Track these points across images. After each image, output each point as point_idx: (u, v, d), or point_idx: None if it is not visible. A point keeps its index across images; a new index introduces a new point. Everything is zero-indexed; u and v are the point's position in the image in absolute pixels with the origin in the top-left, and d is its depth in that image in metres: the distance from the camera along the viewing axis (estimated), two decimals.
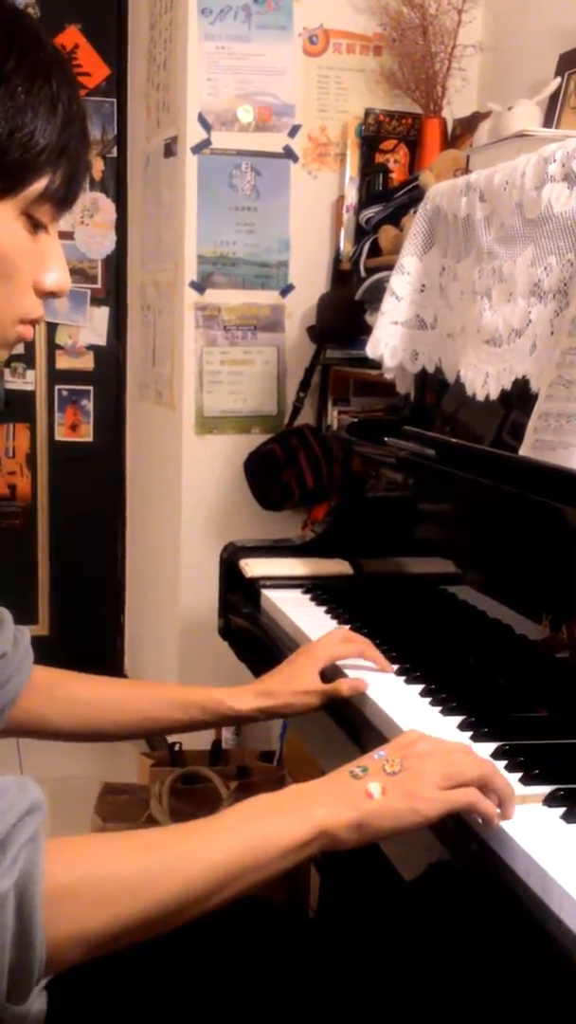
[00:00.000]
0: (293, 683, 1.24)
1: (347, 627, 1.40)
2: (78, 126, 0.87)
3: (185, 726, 1.25)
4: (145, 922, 0.79)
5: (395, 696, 1.22)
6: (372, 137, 2.52)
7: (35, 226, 0.88)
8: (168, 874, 0.81)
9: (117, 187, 3.23)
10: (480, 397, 1.36)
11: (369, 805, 0.88)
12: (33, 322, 0.92)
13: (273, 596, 1.64)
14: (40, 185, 0.85)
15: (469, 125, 2.32)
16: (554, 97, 1.95)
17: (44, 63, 0.85)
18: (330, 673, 1.27)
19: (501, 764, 1.01)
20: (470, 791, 0.91)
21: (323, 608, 1.57)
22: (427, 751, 0.94)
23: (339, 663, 1.29)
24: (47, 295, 0.91)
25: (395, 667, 1.30)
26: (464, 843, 0.94)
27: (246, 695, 1.24)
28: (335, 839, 0.88)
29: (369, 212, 2.39)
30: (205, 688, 1.25)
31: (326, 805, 0.88)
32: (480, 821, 0.93)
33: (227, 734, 2.67)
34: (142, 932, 0.80)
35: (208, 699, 1.23)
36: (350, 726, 1.23)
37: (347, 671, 1.28)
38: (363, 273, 2.29)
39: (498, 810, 0.92)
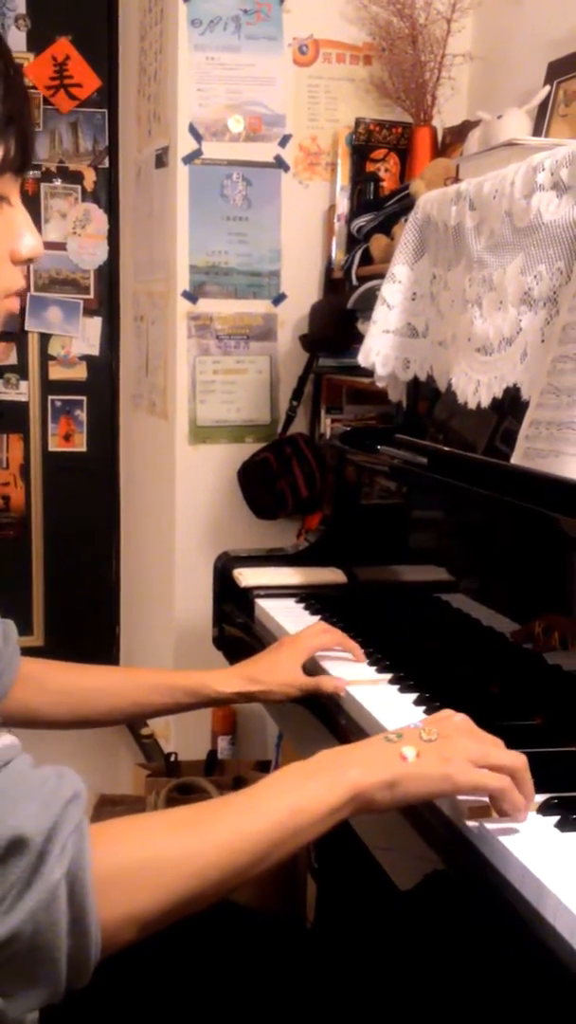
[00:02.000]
0: (277, 673, 1.30)
1: (321, 620, 1.48)
2: (20, 91, 0.87)
3: (171, 709, 1.30)
4: (193, 897, 0.81)
5: (389, 704, 1.22)
6: (362, 146, 2.52)
7: (0, 199, 0.88)
8: (211, 848, 0.82)
9: (109, 198, 3.23)
10: (472, 405, 1.36)
11: (403, 767, 0.90)
12: (17, 293, 0.92)
13: (267, 605, 1.64)
14: None
15: (459, 134, 2.32)
16: (543, 106, 1.96)
17: None
18: (309, 666, 1.33)
19: None
20: (503, 778, 0.91)
21: (317, 617, 1.57)
22: (463, 727, 0.96)
23: (317, 655, 1.35)
24: (24, 263, 0.91)
25: (389, 675, 1.30)
26: (459, 853, 0.94)
27: (231, 678, 1.29)
28: (369, 800, 0.89)
29: (360, 221, 2.40)
30: (190, 672, 1.31)
31: (360, 765, 0.90)
32: (482, 821, 0.93)
33: (223, 744, 2.66)
34: (191, 907, 0.82)
35: (194, 682, 1.28)
36: (345, 735, 1.23)
37: (325, 663, 1.34)
38: (355, 282, 2.30)
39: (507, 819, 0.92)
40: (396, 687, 1.27)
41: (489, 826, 0.92)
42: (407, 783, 0.90)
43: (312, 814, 0.86)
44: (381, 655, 1.36)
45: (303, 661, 1.32)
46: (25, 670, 1.21)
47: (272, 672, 1.30)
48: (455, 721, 0.97)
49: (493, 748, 0.94)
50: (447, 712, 0.99)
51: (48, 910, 0.73)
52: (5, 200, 0.88)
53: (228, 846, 0.83)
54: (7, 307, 0.91)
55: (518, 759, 0.93)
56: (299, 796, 0.87)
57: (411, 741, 0.92)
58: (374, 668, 1.35)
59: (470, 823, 0.94)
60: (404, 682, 1.27)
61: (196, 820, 0.86)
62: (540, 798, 0.95)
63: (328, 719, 1.28)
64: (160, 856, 0.81)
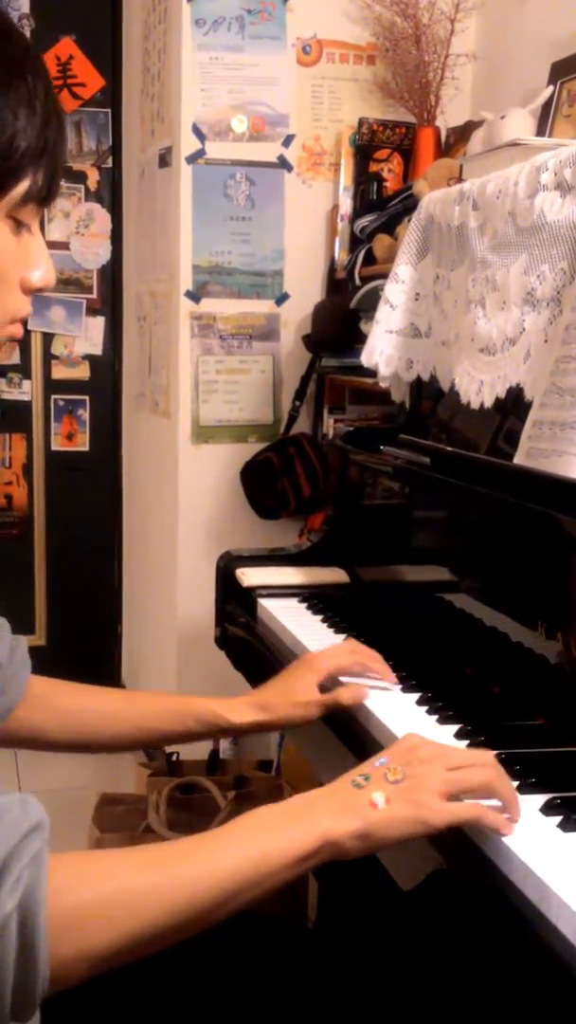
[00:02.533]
0: (291, 695, 1.21)
1: (352, 639, 1.36)
2: (55, 122, 0.85)
3: (180, 737, 1.23)
4: (151, 938, 0.79)
5: (391, 704, 1.21)
6: (366, 146, 2.52)
7: (19, 227, 0.87)
8: (174, 890, 0.80)
9: (112, 197, 3.24)
10: (475, 405, 1.36)
11: (374, 815, 0.87)
12: (22, 320, 0.91)
13: (269, 605, 1.64)
14: (23, 187, 0.84)
15: (462, 134, 2.32)
16: (547, 106, 1.96)
17: (16, 59, 0.82)
18: (330, 685, 1.24)
19: None
20: (477, 806, 0.90)
21: (319, 617, 1.57)
22: (428, 757, 0.92)
23: (342, 677, 1.25)
24: (34, 292, 0.91)
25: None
26: (461, 853, 0.94)
27: (243, 708, 1.21)
28: (340, 849, 0.87)
29: (363, 221, 2.40)
30: (202, 699, 1.22)
31: (331, 815, 0.87)
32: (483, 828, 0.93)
33: (225, 743, 2.66)
34: (148, 947, 0.79)
35: (205, 711, 1.21)
36: (347, 735, 1.23)
37: (344, 679, 1.26)
38: (358, 282, 2.30)
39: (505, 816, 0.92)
40: (398, 687, 1.27)
41: (500, 828, 0.92)
42: (379, 831, 0.87)
43: (279, 861, 0.84)
44: (383, 654, 1.36)
45: (319, 680, 1.22)
46: (33, 689, 1.17)
47: (285, 696, 1.21)
48: (421, 754, 0.93)
49: (461, 774, 0.91)
50: (411, 741, 0.96)
51: None
52: (26, 228, 0.87)
53: (191, 887, 0.81)
54: (10, 332, 0.90)
55: (487, 774, 0.92)
56: (268, 842, 0.85)
57: (378, 784, 0.90)
58: None
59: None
60: (406, 682, 1.27)
61: (160, 859, 0.83)
62: (543, 798, 0.95)
63: (329, 718, 1.28)
64: (121, 894, 0.79)
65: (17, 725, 1.16)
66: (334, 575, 1.73)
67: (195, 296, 2.63)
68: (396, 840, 0.88)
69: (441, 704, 1.19)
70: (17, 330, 0.91)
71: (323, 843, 0.86)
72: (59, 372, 3.30)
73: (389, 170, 2.51)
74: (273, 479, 2.55)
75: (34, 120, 0.82)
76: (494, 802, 0.92)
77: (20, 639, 1.18)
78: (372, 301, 1.92)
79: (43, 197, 0.86)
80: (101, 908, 0.77)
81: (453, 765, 0.92)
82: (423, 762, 0.92)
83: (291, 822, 0.87)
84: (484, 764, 0.93)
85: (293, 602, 1.65)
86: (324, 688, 1.23)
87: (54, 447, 3.34)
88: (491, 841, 0.91)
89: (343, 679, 1.26)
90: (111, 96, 3.19)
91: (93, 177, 3.23)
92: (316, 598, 1.65)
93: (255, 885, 0.83)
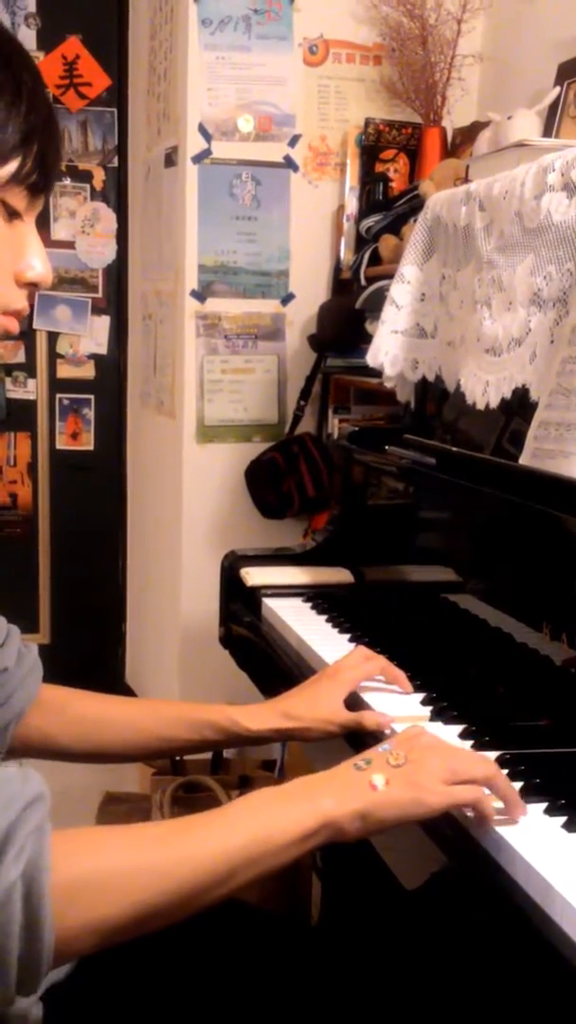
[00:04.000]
0: (317, 708, 1.17)
1: (356, 640, 1.35)
2: (44, 108, 0.87)
3: (196, 747, 1.20)
4: (156, 912, 0.80)
5: (396, 705, 1.21)
6: (372, 146, 2.52)
7: (10, 214, 0.87)
8: (178, 865, 0.81)
9: (118, 197, 3.24)
10: (480, 406, 1.36)
11: (373, 796, 0.89)
12: (16, 314, 0.91)
13: (274, 605, 1.64)
14: (10, 169, 0.85)
15: (469, 134, 2.32)
16: (553, 107, 1.96)
17: (2, 49, 0.85)
18: (350, 700, 1.21)
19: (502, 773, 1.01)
20: (476, 789, 0.91)
21: (324, 617, 1.57)
22: (431, 745, 0.95)
23: (359, 688, 1.23)
24: (28, 286, 0.90)
25: None
26: (465, 853, 0.94)
27: (264, 714, 1.18)
28: (340, 829, 0.88)
29: (369, 221, 2.40)
30: (218, 706, 1.19)
31: (332, 795, 0.89)
32: (471, 814, 0.93)
33: None
34: (153, 921, 0.80)
35: (221, 717, 1.17)
36: (350, 734, 1.23)
37: (366, 695, 1.23)
38: (363, 282, 2.30)
39: (501, 816, 0.92)
40: (410, 692, 1.26)
41: (497, 827, 0.92)
42: (378, 811, 0.89)
43: (281, 840, 0.86)
44: (388, 655, 1.36)
45: (345, 695, 1.19)
46: (46, 696, 1.15)
47: (312, 708, 1.17)
48: (422, 741, 0.95)
49: (462, 763, 0.93)
50: (414, 730, 0.98)
51: (1, 911, 0.71)
52: (17, 216, 0.88)
53: (194, 863, 0.82)
54: (4, 326, 0.90)
55: (488, 767, 0.93)
56: (270, 821, 0.86)
57: (380, 768, 0.91)
58: None
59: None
60: (411, 682, 1.27)
61: (164, 835, 0.85)
62: (547, 799, 0.95)
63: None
64: (125, 866, 0.80)
65: (29, 733, 1.14)
66: (339, 575, 1.73)
67: (200, 296, 2.63)
68: (395, 822, 0.90)
69: (446, 704, 1.19)
70: (11, 323, 0.91)
71: (324, 823, 0.87)
72: (64, 371, 3.31)
73: (395, 170, 2.51)
74: (278, 479, 2.55)
75: (19, 104, 0.85)
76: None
77: (31, 646, 1.16)
78: (378, 301, 1.92)
79: (33, 183, 0.87)
80: (107, 879, 0.78)
81: (455, 755, 0.94)
82: (424, 748, 0.94)
83: (293, 802, 0.89)
84: (487, 760, 0.95)
85: (298, 602, 1.65)
86: (347, 703, 1.20)
87: (59, 446, 3.34)
88: (496, 841, 0.91)
89: (363, 694, 1.23)
90: (117, 95, 3.19)
91: (99, 176, 3.23)
92: (321, 598, 1.65)
93: (256, 863, 0.84)
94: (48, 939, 0.73)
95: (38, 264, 0.90)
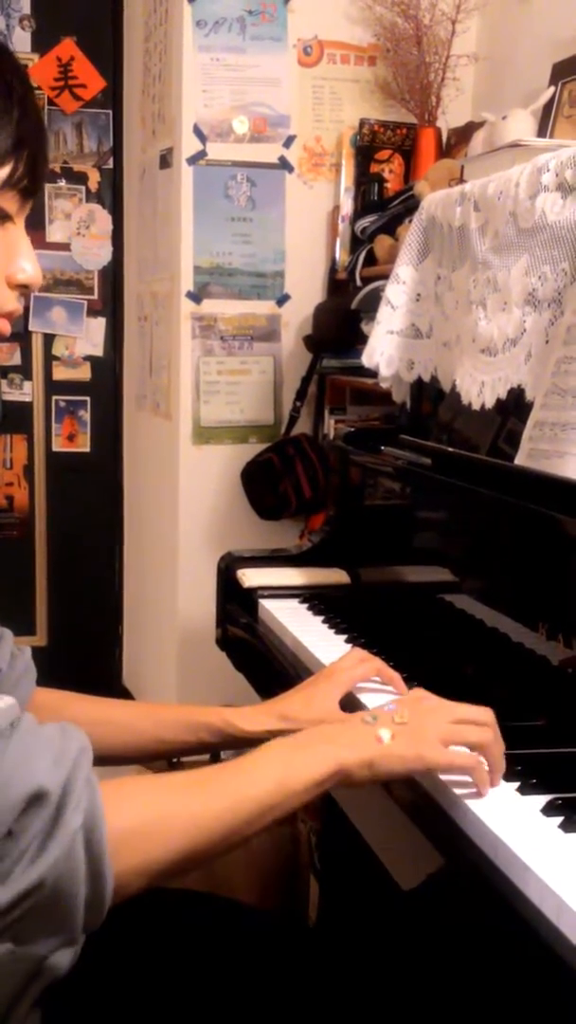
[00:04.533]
0: (314, 709, 1.17)
1: (353, 642, 1.36)
2: (34, 113, 0.90)
3: (192, 748, 1.21)
4: (197, 852, 0.87)
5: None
6: (367, 147, 2.52)
7: (2, 217, 0.89)
8: (215, 808, 0.89)
9: (113, 198, 3.24)
10: (476, 406, 1.37)
11: (379, 748, 0.97)
12: (8, 315, 0.92)
13: (271, 606, 1.64)
14: (2, 174, 0.87)
15: (463, 135, 2.33)
16: (548, 107, 1.96)
17: None
18: (345, 700, 1.21)
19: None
20: (472, 756, 0.98)
21: (320, 618, 1.57)
22: (433, 707, 1.02)
23: (354, 689, 1.23)
24: (18, 289, 0.92)
25: None
26: (461, 853, 0.94)
27: (260, 716, 1.18)
28: (349, 776, 0.96)
29: (364, 222, 2.40)
30: (214, 708, 1.20)
31: (343, 745, 0.96)
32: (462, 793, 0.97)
33: None
34: (193, 862, 0.88)
35: (217, 719, 1.18)
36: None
37: (361, 696, 1.23)
38: (359, 283, 2.30)
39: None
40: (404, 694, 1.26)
41: (492, 827, 0.92)
42: (382, 762, 0.96)
43: (299, 784, 0.93)
44: (384, 655, 1.36)
45: (341, 696, 1.19)
46: (41, 699, 1.15)
47: (307, 709, 1.17)
48: (427, 704, 1.02)
49: (462, 727, 1.00)
50: (420, 693, 1.06)
51: (68, 858, 0.77)
52: (8, 219, 0.90)
53: (227, 808, 0.89)
54: None
55: (485, 734, 1.00)
56: (288, 767, 0.94)
57: (386, 723, 0.99)
58: None
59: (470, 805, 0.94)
60: (407, 682, 1.27)
61: (199, 783, 0.92)
62: (544, 799, 0.95)
63: None
64: (168, 813, 0.87)
65: None
66: (335, 576, 1.73)
67: (196, 297, 2.63)
68: (398, 774, 0.98)
69: None
70: (3, 326, 0.92)
71: (336, 768, 0.95)
72: (60, 373, 3.30)
73: (390, 171, 2.52)
74: (274, 480, 2.55)
75: (10, 111, 0.87)
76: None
77: (24, 649, 1.16)
78: (373, 302, 1.93)
79: (23, 187, 0.89)
80: (152, 825, 0.85)
81: (456, 718, 1.01)
82: (428, 711, 1.02)
83: (309, 750, 0.96)
84: (484, 722, 1.01)
85: (294, 603, 1.65)
86: (343, 704, 1.20)
87: (55, 448, 3.34)
88: (492, 842, 0.91)
89: (358, 695, 1.23)
90: (112, 97, 3.19)
91: (94, 178, 3.23)
92: (317, 599, 1.65)
93: (279, 805, 0.92)
94: (109, 881, 0.79)
95: (28, 266, 0.92)
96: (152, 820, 0.85)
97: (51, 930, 0.79)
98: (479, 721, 1.01)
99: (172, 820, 0.86)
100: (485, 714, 1.02)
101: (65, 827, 0.77)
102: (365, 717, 1.01)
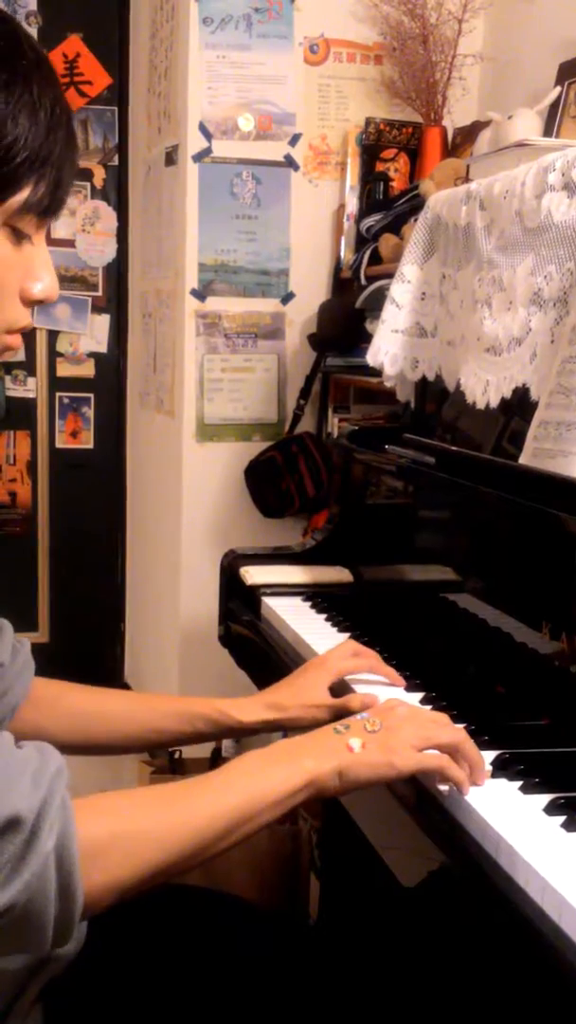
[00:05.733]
0: (303, 696, 1.21)
1: (355, 640, 1.35)
2: (62, 132, 0.85)
3: (188, 738, 1.23)
4: (168, 868, 0.88)
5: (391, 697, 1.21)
6: (372, 146, 2.52)
7: (19, 237, 0.86)
8: (186, 824, 0.89)
9: (118, 195, 3.24)
10: (480, 405, 1.37)
11: (349, 757, 0.97)
12: (20, 330, 0.90)
13: (273, 603, 1.64)
14: (21, 196, 0.83)
15: (469, 134, 2.32)
16: (554, 106, 1.96)
17: (23, 68, 0.82)
18: (338, 688, 1.23)
19: (501, 773, 1.01)
20: (442, 757, 0.99)
21: (323, 616, 1.57)
22: (405, 715, 1.03)
23: (347, 678, 1.26)
24: (34, 303, 0.90)
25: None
26: (462, 851, 0.94)
27: (253, 706, 1.21)
28: (322, 786, 0.96)
29: (370, 220, 2.40)
30: (209, 699, 1.22)
31: (313, 756, 0.97)
32: (445, 789, 0.99)
33: (227, 742, 2.66)
34: (164, 876, 0.88)
35: (212, 710, 1.20)
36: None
37: (356, 686, 1.25)
38: (363, 281, 2.30)
39: (465, 784, 0.98)
40: (402, 687, 1.27)
41: (495, 825, 0.92)
42: (353, 770, 0.96)
43: (272, 797, 0.93)
44: (387, 654, 1.36)
45: (330, 683, 1.22)
46: (39, 691, 1.17)
47: (297, 696, 1.21)
48: (399, 712, 1.03)
49: (434, 731, 1.00)
50: (391, 702, 1.06)
51: (40, 880, 0.78)
52: (27, 239, 0.86)
53: (198, 823, 0.89)
54: (7, 343, 0.89)
55: (457, 735, 1.01)
56: (260, 782, 0.94)
57: (357, 732, 0.99)
58: None
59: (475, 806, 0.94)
60: (410, 681, 1.27)
61: (170, 798, 0.92)
62: (546, 798, 0.95)
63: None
64: (138, 830, 0.87)
65: (22, 726, 1.15)
66: (338, 574, 1.73)
67: (200, 294, 2.63)
68: (368, 782, 0.98)
69: (445, 704, 1.19)
70: (15, 341, 0.91)
71: (308, 781, 0.95)
72: (64, 370, 3.31)
73: (396, 170, 2.51)
74: (277, 478, 2.55)
75: (36, 129, 0.82)
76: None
77: (24, 641, 1.17)
78: (378, 300, 1.93)
79: (44, 209, 0.85)
80: (122, 842, 0.85)
81: (426, 724, 1.02)
82: (399, 717, 1.02)
83: (280, 763, 0.96)
84: (456, 728, 1.03)
85: (297, 601, 1.66)
86: (332, 691, 1.23)
87: (58, 444, 3.34)
88: (495, 841, 0.91)
89: (350, 680, 1.26)
90: (118, 94, 3.19)
91: (99, 175, 3.23)
92: (320, 597, 1.66)
93: (251, 820, 0.92)
94: (79, 899, 0.80)
95: (46, 282, 0.89)
96: (123, 837, 0.86)
97: (19, 947, 0.81)
98: (448, 725, 1.03)
99: (143, 836, 0.87)
100: (455, 727, 1.04)
101: (38, 851, 0.78)
102: (337, 727, 1.01)
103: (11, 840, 0.77)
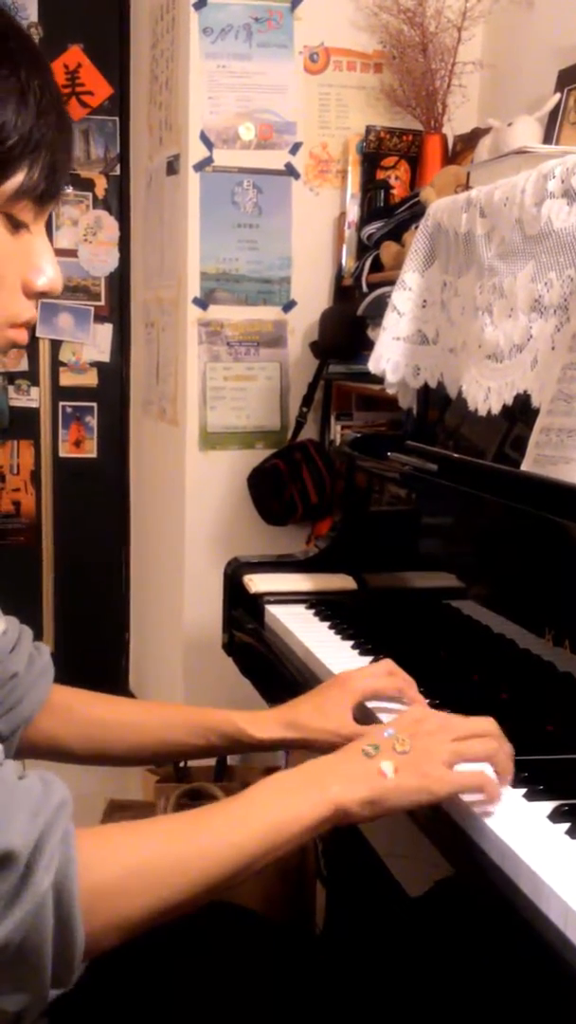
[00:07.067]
0: (323, 719, 1.13)
1: (390, 660, 1.25)
2: (53, 115, 0.83)
3: (202, 751, 1.20)
4: (179, 904, 0.82)
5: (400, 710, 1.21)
6: (373, 154, 2.53)
7: (15, 225, 0.85)
8: (199, 859, 0.83)
9: (120, 205, 3.25)
10: (482, 412, 1.37)
11: (383, 783, 0.91)
12: (24, 324, 0.89)
13: (277, 611, 1.64)
14: (15, 181, 0.82)
15: (469, 141, 2.33)
16: (554, 113, 1.96)
17: (9, 52, 0.81)
18: (359, 713, 1.17)
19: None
20: (480, 775, 0.95)
21: (327, 623, 1.57)
22: (434, 729, 0.97)
23: (371, 704, 1.19)
24: (37, 296, 0.88)
25: None
26: (469, 860, 0.94)
27: (269, 723, 1.15)
28: (349, 815, 0.90)
29: (371, 228, 2.40)
30: (225, 712, 1.17)
31: (341, 783, 0.91)
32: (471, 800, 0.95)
33: None
34: (175, 912, 0.83)
35: (227, 724, 1.15)
36: None
37: (380, 715, 1.18)
38: (365, 289, 2.30)
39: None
40: None
41: (499, 833, 0.92)
42: (388, 799, 0.91)
43: (294, 828, 0.88)
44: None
45: (353, 705, 1.14)
46: (55, 699, 1.15)
47: (317, 717, 1.13)
48: (427, 726, 0.97)
49: (465, 746, 0.96)
50: (416, 713, 1.01)
51: (36, 919, 0.74)
52: (24, 227, 0.85)
53: (214, 857, 0.84)
54: (11, 337, 0.88)
55: (489, 747, 0.96)
56: (283, 810, 0.88)
57: (387, 754, 0.93)
58: None
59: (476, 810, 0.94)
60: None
61: (184, 830, 0.86)
62: (550, 805, 0.95)
63: None
64: (150, 867, 0.82)
65: (37, 735, 1.14)
66: (342, 582, 1.73)
67: (203, 303, 2.63)
68: (404, 808, 0.93)
69: (449, 711, 1.19)
70: (19, 335, 0.89)
71: (334, 810, 0.89)
72: (67, 379, 3.31)
73: (396, 177, 2.52)
74: (280, 486, 2.56)
75: (26, 112, 0.81)
76: None
77: (42, 648, 1.16)
78: (379, 308, 1.93)
79: (41, 194, 0.84)
80: (130, 880, 0.80)
81: (458, 736, 0.96)
82: (429, 734, 0.96)
83: (304, 790, 0.91)
84: (486, 733, 0.98)
85: (301, 608, 1.66)
86: (357, 717, 1.16)
87: (62, 454, 3.35)
88: (500, 849, 0.91)
89: (370, 704, 1.19)
90: (119, 104, 3.20)
91: (101, 185, 3.24)
92: (324, 604, 1.65)
93: (272, 851, 0.87)
94: (79, 939, 0.76)
95: (49, 273, 0.87)
96: (132, 874, 0.80)
97: (16, 987, 0.76)
98: (481, 733, 0.98)
99: (154, 874, 0.81)
100: (486, 724, 0.99)
101: (33, 889, 0.74)
102: (365, 748, 0.94)
103: (4, 877, 0.73)
